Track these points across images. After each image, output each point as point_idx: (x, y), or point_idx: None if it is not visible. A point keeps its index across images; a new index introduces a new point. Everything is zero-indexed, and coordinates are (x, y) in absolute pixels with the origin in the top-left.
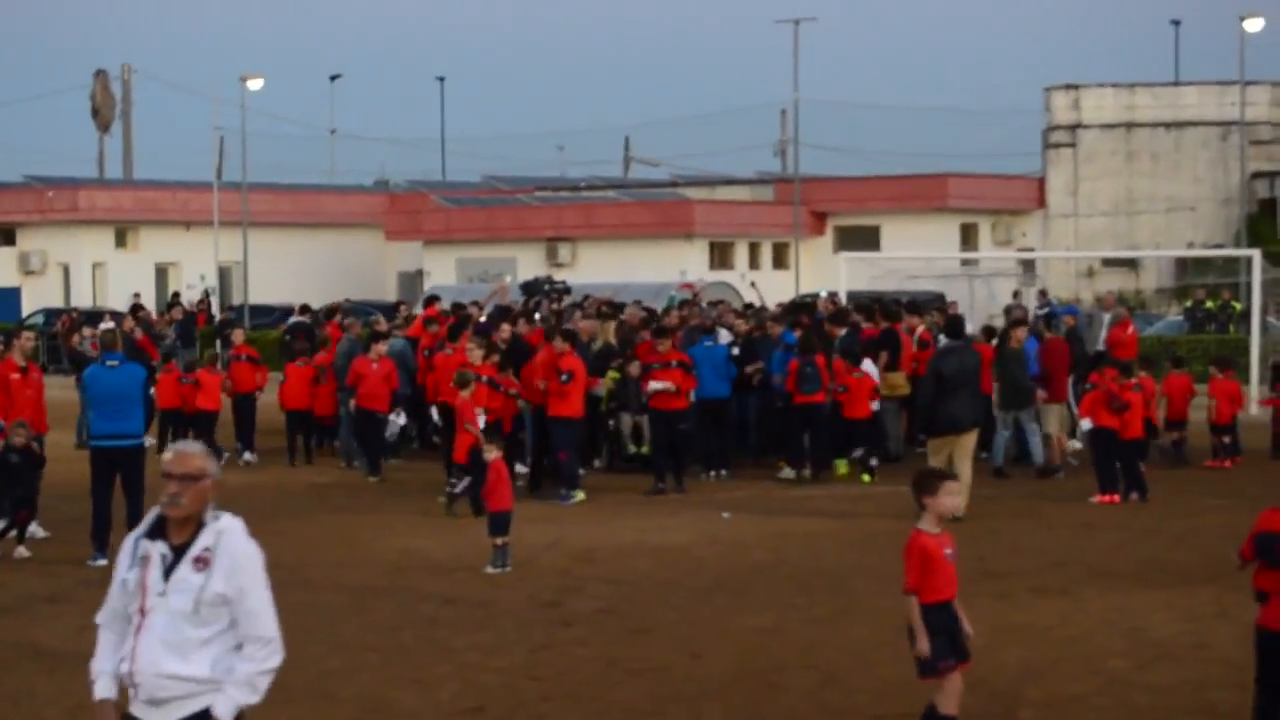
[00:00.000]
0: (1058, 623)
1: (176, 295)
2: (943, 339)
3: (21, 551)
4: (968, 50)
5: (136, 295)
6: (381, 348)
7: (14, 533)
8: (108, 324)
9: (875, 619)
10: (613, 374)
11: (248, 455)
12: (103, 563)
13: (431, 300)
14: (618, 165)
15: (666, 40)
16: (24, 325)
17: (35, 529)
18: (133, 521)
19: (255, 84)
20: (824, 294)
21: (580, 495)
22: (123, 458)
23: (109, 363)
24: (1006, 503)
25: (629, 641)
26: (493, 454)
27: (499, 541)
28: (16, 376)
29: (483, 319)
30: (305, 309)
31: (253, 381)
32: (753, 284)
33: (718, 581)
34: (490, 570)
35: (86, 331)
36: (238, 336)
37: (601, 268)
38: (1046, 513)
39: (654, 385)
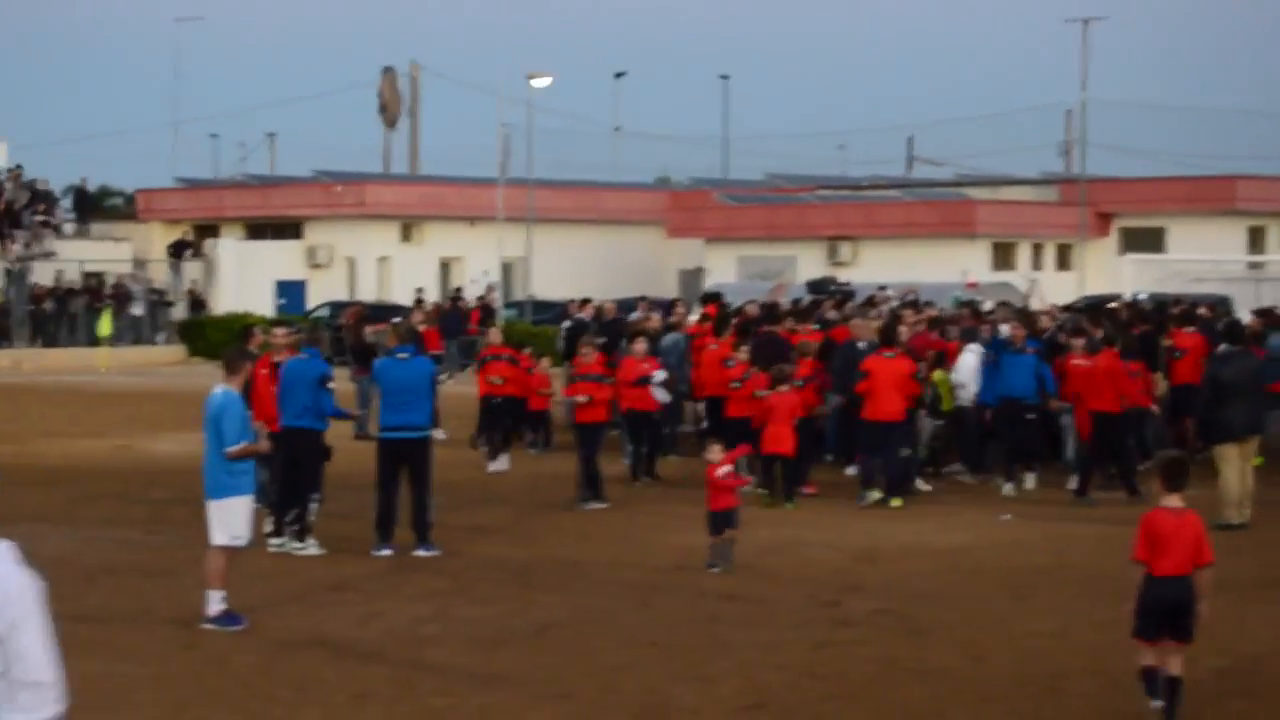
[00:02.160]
0: None
1: (460, 290)
2: (1222, 346)
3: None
4: (1258, 49)
5: (420, 290)
6: (641, 345)
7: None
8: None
9: None
10: (938, 375)
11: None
12: (387, 553)
13: (711, 298)
14: (900, 164)
15: (952, 39)
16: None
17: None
18: (418, 513)
19: (541, 82)
20: (1130, 297)
21: (875, 494)
22: (409, 449)
23: (400, 355)
24: None
25: (909, 642)
26: (717, 454)
27: (726, 537)
28: (265, 373)
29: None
30: (586, 304)
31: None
32: (1033, 282)
33: (998, 584)
34: (713, 569)
35: (369, 329)
36: (494, 336)
37: (882, 267)
38: None
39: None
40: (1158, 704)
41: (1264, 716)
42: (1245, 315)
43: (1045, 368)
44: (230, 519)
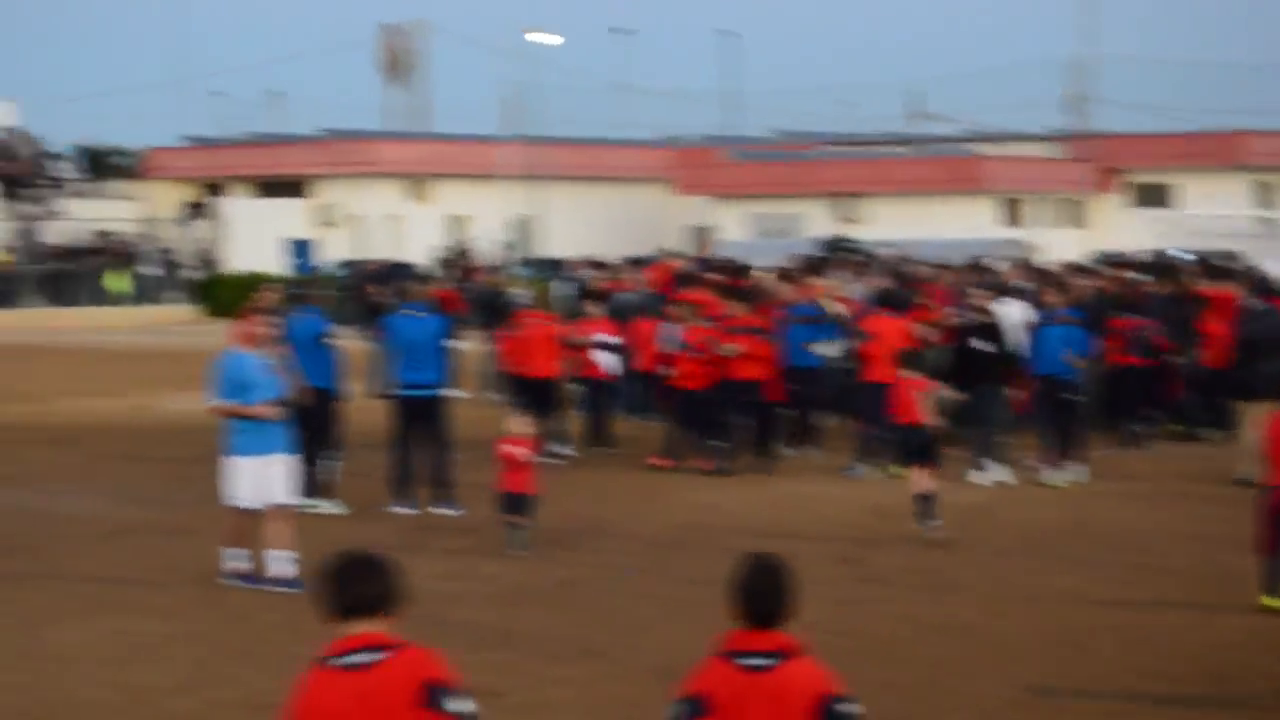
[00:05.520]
0: None
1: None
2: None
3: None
4: (1266, 2)
5: (443, 249)
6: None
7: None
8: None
9: (1180, 580)
10: None
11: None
12: (403, 511)
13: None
14: (907, 120)
15: None
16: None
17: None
18: (438, 472)
19: (545, 38)
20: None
21: (894, 469)
22: (423, 407)
23: (411, 312)
24: None
25: (932, 599)
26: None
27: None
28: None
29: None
30: (599, 265)
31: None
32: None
33: (1017, 541)
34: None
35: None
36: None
37: (891, 224)
38: None
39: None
40: None
41: None
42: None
43: (1083, 338)
44: (229, 479)
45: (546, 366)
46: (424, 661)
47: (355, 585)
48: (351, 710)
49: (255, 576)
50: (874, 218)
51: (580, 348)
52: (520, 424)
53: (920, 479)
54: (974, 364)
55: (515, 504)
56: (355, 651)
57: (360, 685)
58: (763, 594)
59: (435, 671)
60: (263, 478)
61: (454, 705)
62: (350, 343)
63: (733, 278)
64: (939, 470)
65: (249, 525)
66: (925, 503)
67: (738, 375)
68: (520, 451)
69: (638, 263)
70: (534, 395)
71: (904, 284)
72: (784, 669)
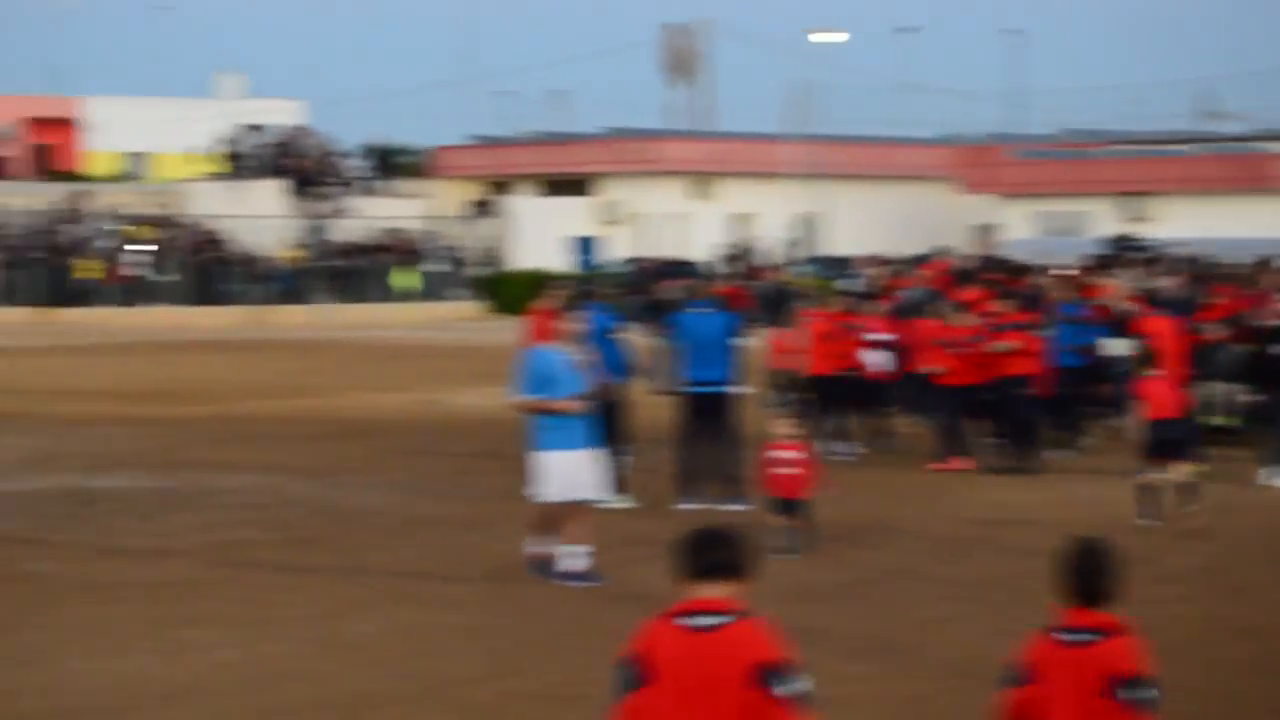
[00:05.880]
0: None
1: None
2: None
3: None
4: None
5: (726, 247)
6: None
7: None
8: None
9: None
10: None
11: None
12: (690, 506)
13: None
14: (1195, 118)
15: None
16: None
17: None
18: (725, 468)
19: (829, 37)
20: None
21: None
22: (710, 403)
23: (698, 309)
24: None
25: (1230, 600)
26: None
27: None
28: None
29: None
30: (885, 262)
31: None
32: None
33: None
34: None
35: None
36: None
37: (1180, 223)
38: None
39: None
40: None
41: None
42: None
43: None
44: (536, 474)
45: (823, 363)
46: (759, 638)
47: (708, 551)
48: (686, 668)
49: (558, 570)
50: (1163, 216)
51: (856, 345)
52: (788, 426)
53: (1171, 471)
54: (1272, 367)
55: (786, 507)
56: (699, 614)
57: (697, 646)
58: (1089, 573)
59: (768, 652)
60: (569, 472)
61: (786, 688)
62: (635, 339)
63: (1010, 277)
64: (1194, 464)
65: (556, 518)
66: (1154, 494)
67: (1009, 372)
68: (789, 455)
69: (920, 261)
70: (811, 392)
71: (1200, 283)
72: (1102, 645)
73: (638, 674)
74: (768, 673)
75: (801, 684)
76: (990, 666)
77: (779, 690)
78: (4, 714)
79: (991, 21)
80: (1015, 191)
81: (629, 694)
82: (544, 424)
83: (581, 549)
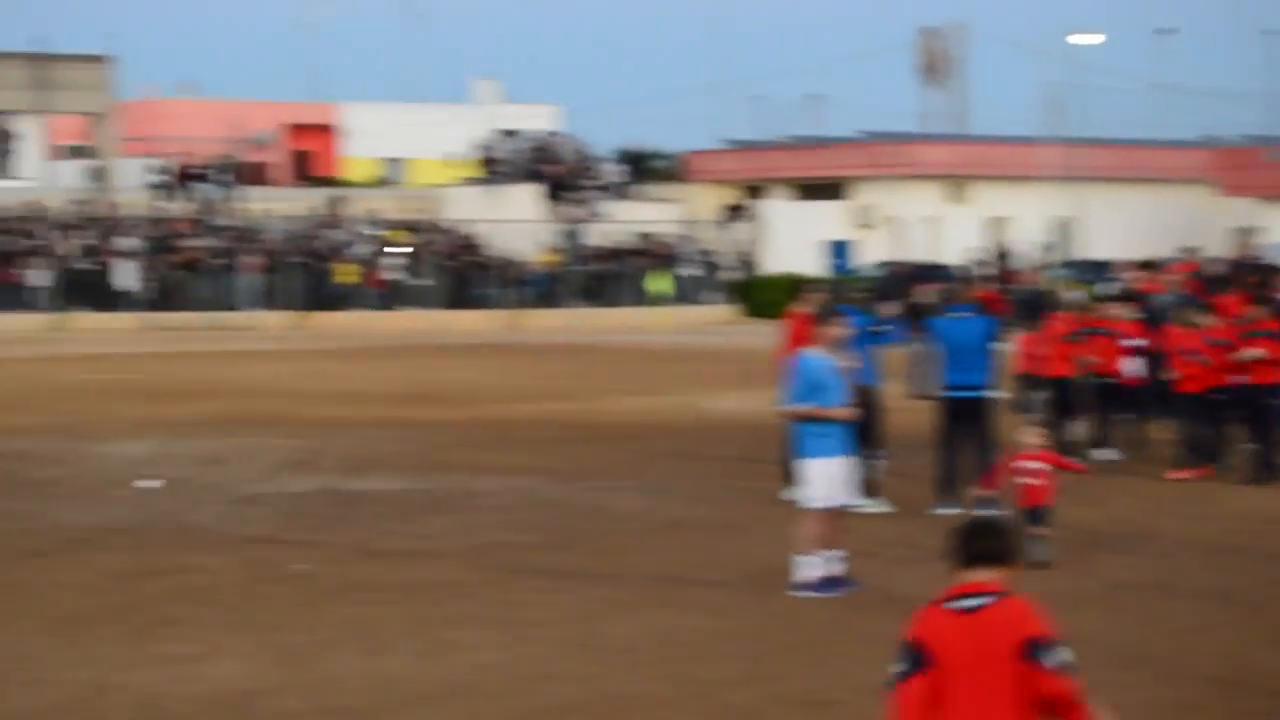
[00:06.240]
0: None
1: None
2: None
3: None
4: None
5: (981, 251)
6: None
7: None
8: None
9: None
10: None
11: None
12: (947, 511)
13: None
14: None
15: None
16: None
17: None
18: (978, 474)
19: (1086, 39)
20: None
21: None
22: (969, 408)
23: (956, 314)
24: None
25: None
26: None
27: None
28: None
29: None
30: (1146, 266)
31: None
32: None
33: None
34: None
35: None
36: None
37: None
38: None
39: None
40: None
41: None
42: None
43: None
44: (805, 481)
45: (1062, 365)
46: (1025, 615)
47: (977, 540)
48: (960, 648)
49: (831, 583)
50: None
51: (1113, 350)
52: (1034, 435)
53: None
54: None
55: (1033, 517)
56: (967, 596)
57: (968, 626)
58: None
59: (1035, 627)
60: (832, 479)
61: (1053, 660)
62: (892, 344)
63: (1262, 281)
64: None
65: (823, 527)
66: None
67: (1259, 380)
68: (1035, 465)
69: (1165, 264)
70: (1053, 396)
71: None
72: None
73: (919, 658)
74: (1036, 646)
75: (1066, 654)
76: (1260, 676)
77: (1047, 661)
78: (267, 712)
79: (1251, 22)
80: (1275, 194)
81: (911, 677)
82: (810, 431)
83: (837, 554)
